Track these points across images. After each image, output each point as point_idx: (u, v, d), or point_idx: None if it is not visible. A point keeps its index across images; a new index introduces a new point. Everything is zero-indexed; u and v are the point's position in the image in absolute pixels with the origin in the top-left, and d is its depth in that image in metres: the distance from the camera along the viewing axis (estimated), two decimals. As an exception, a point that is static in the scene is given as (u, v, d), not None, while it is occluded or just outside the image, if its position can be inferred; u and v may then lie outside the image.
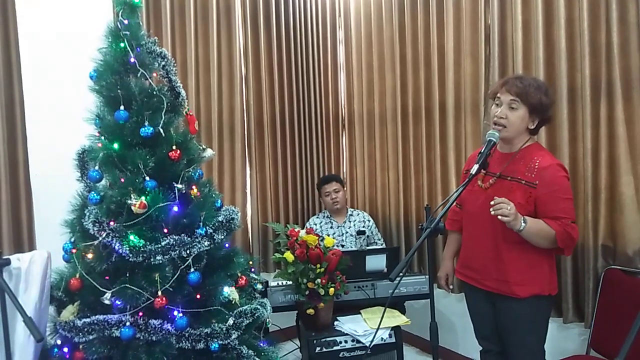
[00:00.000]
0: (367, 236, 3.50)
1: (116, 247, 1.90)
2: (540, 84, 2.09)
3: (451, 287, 2.58)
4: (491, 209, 1.90)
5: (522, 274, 2.06)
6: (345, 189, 3.63)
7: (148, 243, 1.93)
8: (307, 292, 2.57)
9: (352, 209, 3.64)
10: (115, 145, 2.00)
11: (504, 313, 2.15)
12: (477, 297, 2.25)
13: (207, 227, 2.07)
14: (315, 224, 3.50)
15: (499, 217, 1.88)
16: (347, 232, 3.47)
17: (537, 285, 2.07)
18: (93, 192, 1.98)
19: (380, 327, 2.51)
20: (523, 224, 1.91)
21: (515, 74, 2.63)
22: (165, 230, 2.00)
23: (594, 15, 2.39)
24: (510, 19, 2.77)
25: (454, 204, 2.16)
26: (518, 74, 2.47)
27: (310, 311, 2.59)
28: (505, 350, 2.20)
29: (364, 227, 3.50)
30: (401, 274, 1.65)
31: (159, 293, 1.90)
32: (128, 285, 1.88)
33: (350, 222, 3.51)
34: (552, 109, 2.12)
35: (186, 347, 1.94)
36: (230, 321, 2.04)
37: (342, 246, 3.39)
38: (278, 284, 2.87)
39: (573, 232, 1.98)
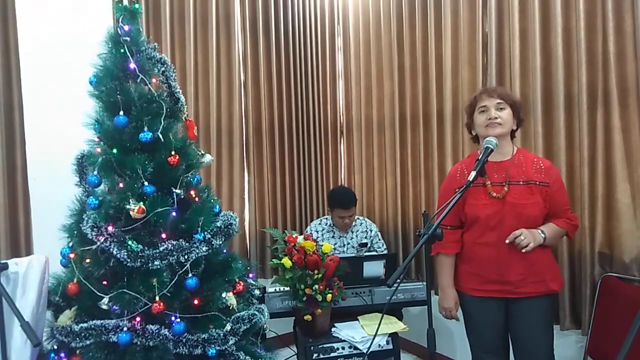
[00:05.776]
0: (369, 248, 3.38)
1: (114, 252, 1.90)
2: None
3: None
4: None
5: (552, 269, 2.19)
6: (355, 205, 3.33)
7: (146, 248, 1.93)
8: (304, 298, 2.56)
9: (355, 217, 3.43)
10: (114, 150, 2.00)
11: (527, 313, 2.14)
12: (490, 309, 2.18)
13: (205, 233, 2.07)
14: (317, 231, 3.37)
15: (524, 250, 2.00)
16: (348, 244, 3.37)
17: (560, 278, 2.26)
18: (91, 197, 1.99)
19: (378, 333, 2.51)
20: (543, 236, 2.06)
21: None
22: (164, 236, 2.00)
23: (591, 24, 2.42)
24: (508, 27, 2.79)
25: (447, 226, 2.18)
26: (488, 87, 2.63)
27: (308, 317, 2.59)
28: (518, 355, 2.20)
29: (366, 237, 3.39)
30: (399, 280, 1.66)
31: (157, 298, 1.90)
32: (126, 291, 1.89)
33: (352, 232, 3.38)
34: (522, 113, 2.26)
35: (183, 352, 1.95)
36: (228, 327, 2.04)
37: None
38: (275, 290, 2.86)
39: (576, 221, 2.23)
